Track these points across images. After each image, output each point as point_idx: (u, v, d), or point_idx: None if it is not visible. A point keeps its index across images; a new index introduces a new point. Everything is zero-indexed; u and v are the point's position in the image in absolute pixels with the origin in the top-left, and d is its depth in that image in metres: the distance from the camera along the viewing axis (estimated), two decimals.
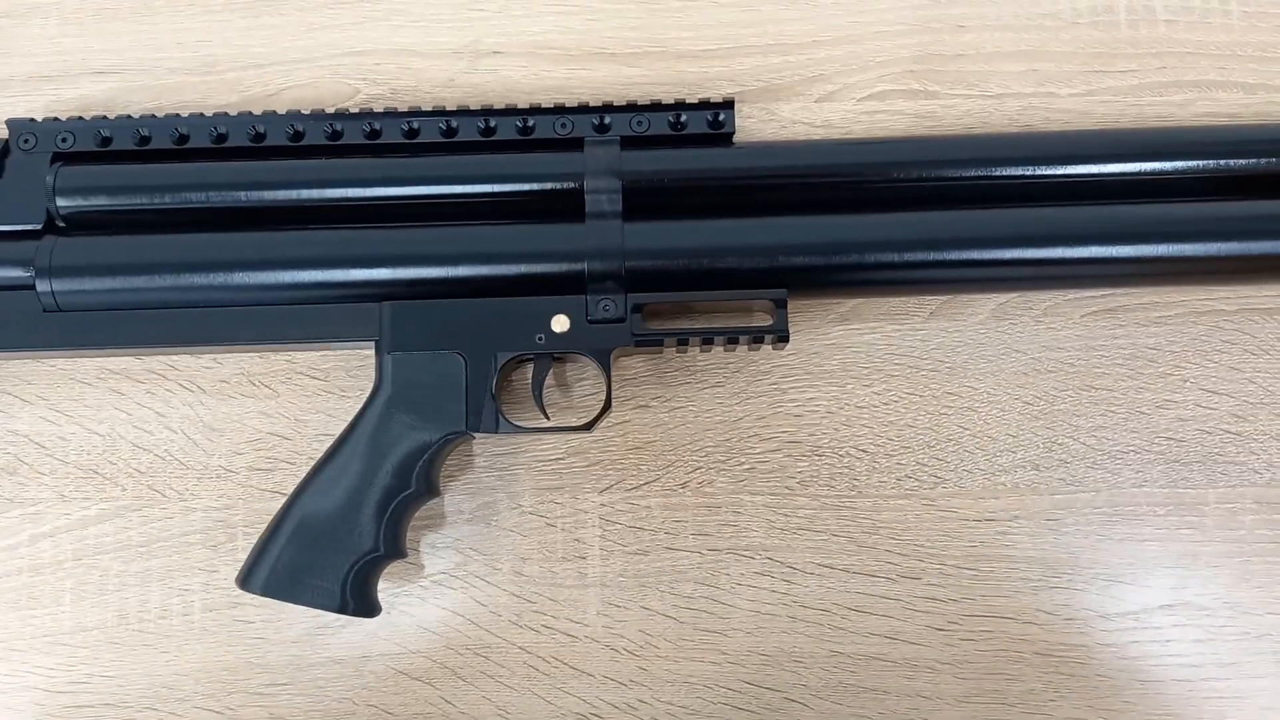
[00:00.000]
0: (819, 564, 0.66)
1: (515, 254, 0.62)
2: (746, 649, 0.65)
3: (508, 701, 0.65)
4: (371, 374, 0.67)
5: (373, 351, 0.64)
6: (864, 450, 0.67)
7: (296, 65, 0.70)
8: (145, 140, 0.64)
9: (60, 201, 0.63)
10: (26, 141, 0.64)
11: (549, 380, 0.67)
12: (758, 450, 0.67)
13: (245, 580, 0.60)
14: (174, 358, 0.67)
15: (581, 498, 0.67)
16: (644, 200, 0.63)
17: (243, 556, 0.66)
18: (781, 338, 0.62)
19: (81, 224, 0.63)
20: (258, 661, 0.66)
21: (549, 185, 0.63)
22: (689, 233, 0.62)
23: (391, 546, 0.60)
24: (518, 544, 0.66)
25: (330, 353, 0.68)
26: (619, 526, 0.66)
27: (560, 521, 0.66)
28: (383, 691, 0.65)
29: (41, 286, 0.62)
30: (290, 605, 0.64)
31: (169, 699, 0.66)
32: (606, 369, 0.62)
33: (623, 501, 0.67)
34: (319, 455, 0.66)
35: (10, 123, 0.64)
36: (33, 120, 0.64)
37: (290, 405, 0.67)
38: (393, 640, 0.66)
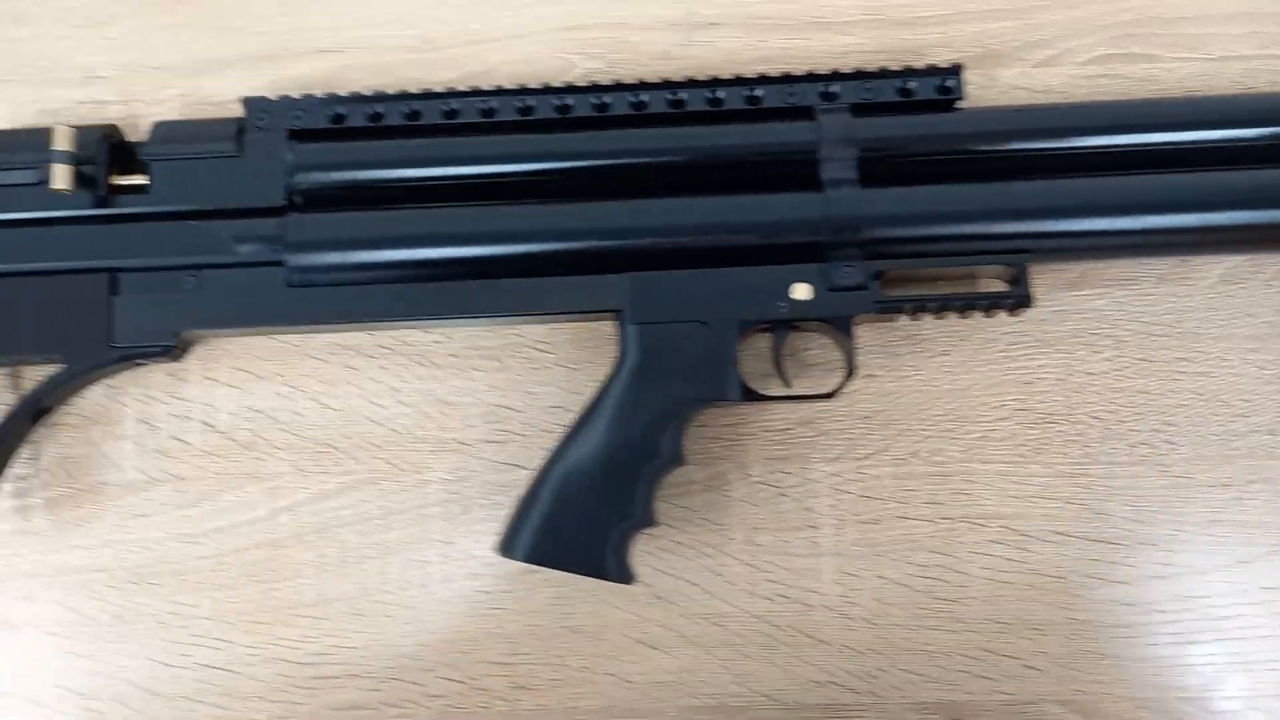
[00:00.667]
0: (1054, 531, 0.66)
1: (757, 223, 0.62)
2: (983, 617, 0.65)
3: (745, 670, 0.66)
4: (599, 346, 0.67)
5: (611, 323, 0.65)
6: (1096, 417, 0.66)
7: (514, 41, 0.70)
8: (377, 117, 0.64)
9: (299, 178, 0.63)
10: (261, 119, 0.64)
11: (769, 352, 0.66)
12: (988, 418, 0.67)
13: (507, 548, 0.61)
14: (404, 333, 0.68)
15: (811, 467, 0.67)
16: (877, 168, 0.63)
17: (479, 528, 0.67)
18: (1022, 303, 0.62)
19: (317, 200, 0.64)
20: (497, 631, 0.67)
21: (782, 154, 0.63)
22: (929, 199, 0.62)
23: (646, 515, 0.61)
24: (749, 514, 0.67)
25: (558, 326, 0.68)
26: (850, 496, 0.67)
27: (791, 491, 0.67)
28: (621, 660, 0.66)
29: (291, 262, 0.63)
30: (528, 575, 0.66)
31: (412, 669, 0.67)
32: (849, 335, 0.62)
33: (853, 471, 0.67)
34: (550, 427, 0.67)
35: (247, 101, 0.65)
36: (267, 99, 0.65)
37: (520, 378, 0.68)
38: (629, 609, 0.66)
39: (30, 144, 0.63)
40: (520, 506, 0.62)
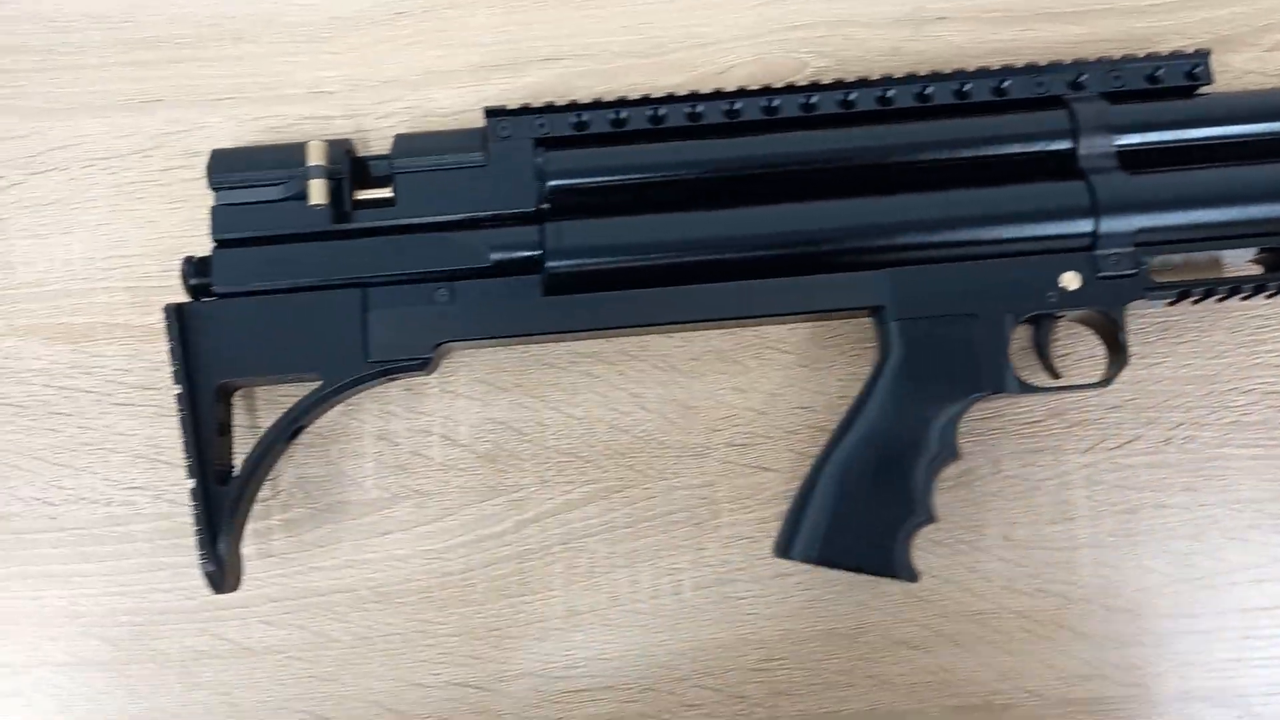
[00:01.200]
0: None
1: (1022, 214, 0.62)
2: (1242, 606, 0.65)
3: (1008, 667, 0.65)
4: (840, 345, 0.67)
5: (864, 320, 0.65)
6: None
7: (741, 42, 0.70)
8: (620, 122, 0.64)
9: (549, 184, 0.63)
10: (505, 128, 0.64)
11: (1030, 343, 0.66)
12: (1239, 403, 0.66)
13: (786, 549, 0.60)
14: (644, 338, 0.67)
15: (1064, 459, 0.66)
16: (1135, 155, 0.62)
17: (728, 533, 0.66)
18: None
19: (566, 207, 0.63)
20: (752, 637, 0.66)
21: (1038, 145, 0.63)
22: (1196, 184, 0.61)
23: (926, 511, 0.60)
24: (1003, 508, 0.66)
25: (796, 325, 0.67)
26: (1105, 486, 0.66)
27: (1044, 484, 0.66)
28: (880, 661, 0.65)
29: (551, 269, 0.62)
30: (782, 579, 0.65)
31: (666, 679, 0.66)
32: (1120, 324, 0.61)
33: (1106, 461, 0.66)
34: (795, 428, 0.66)
35: (489, 110, 0.64)
36: (508, 108, 0.64)
37: (762, 380, 0.67)
38: (886, 610, 0.66)
39: (282, 160, 0.62)
40: (796, 507, 0.61)
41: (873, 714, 0.65)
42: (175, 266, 0.65)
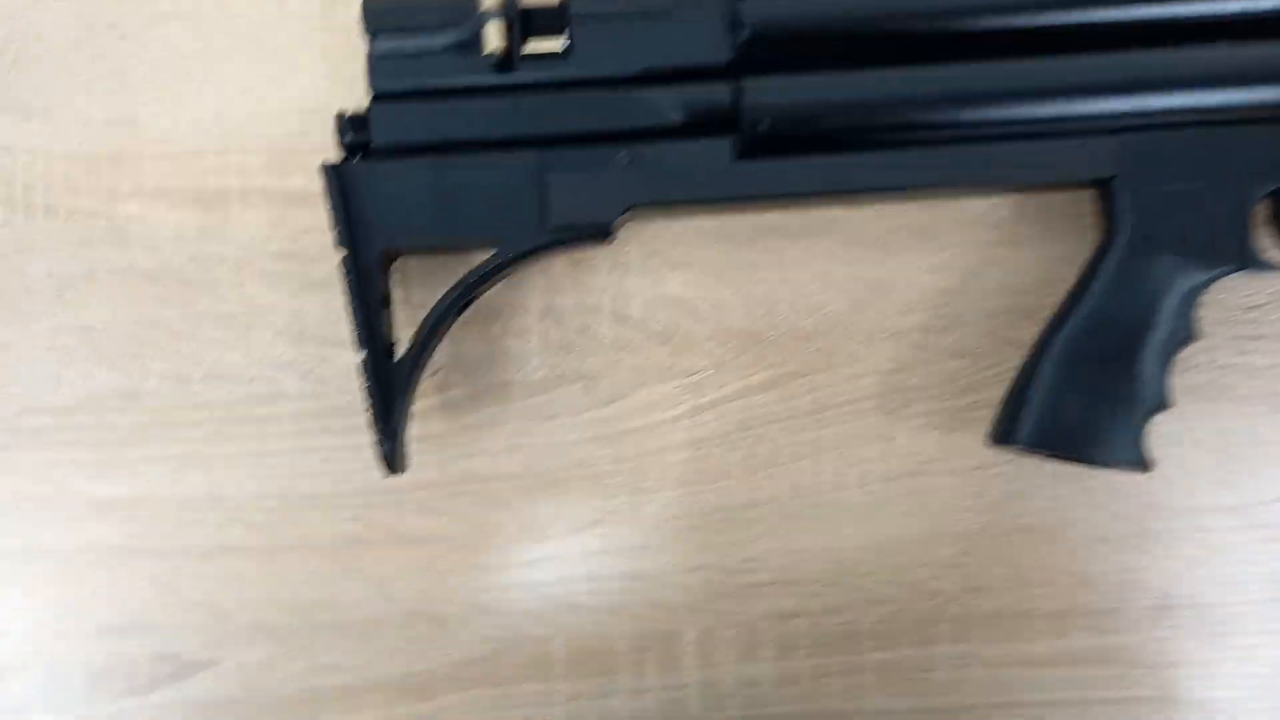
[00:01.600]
0: None
1: (1267, 75, 0.55)
2: None
3: (1219, 573, 0.61)
4: (1046, 220, 0.61)
5: (1088, 194, 0.59)
6: None
7: None
8: None
9: (746, 34, 0.56)
10: None
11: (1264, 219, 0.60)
12: None
13: (1006, 437, 0.56)
14: (832, 211, 0.62)
15: None
16: None
17: (920, 422, 0.62)
18: None
19: (760, 61, 0.56)
20: (945, 532, 0.62)
21: None
22: None
23: (1161, 397, 0.55)
24: (1217, 398, 0.61)
25: (1002, 201, 0.61)
26: None
27: (1264, 372, 0.61)
28: (1082, 559, 0.61)
29: (749, 129, 0.56)
30: (978, 470, 0.61)
31: (850, 573, 0.62)
32: None
33: None
34: (996, 311, 0.61)
35: None
36: None
37: (961, 258, 0.62)
38: (1089, 505, 0.61)
39: (453, 3, 0.56)
40: (1015, 393, 0.57)
41: (1069, 613, 0.62)
42: (319, 125, 0.60)
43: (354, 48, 0.58)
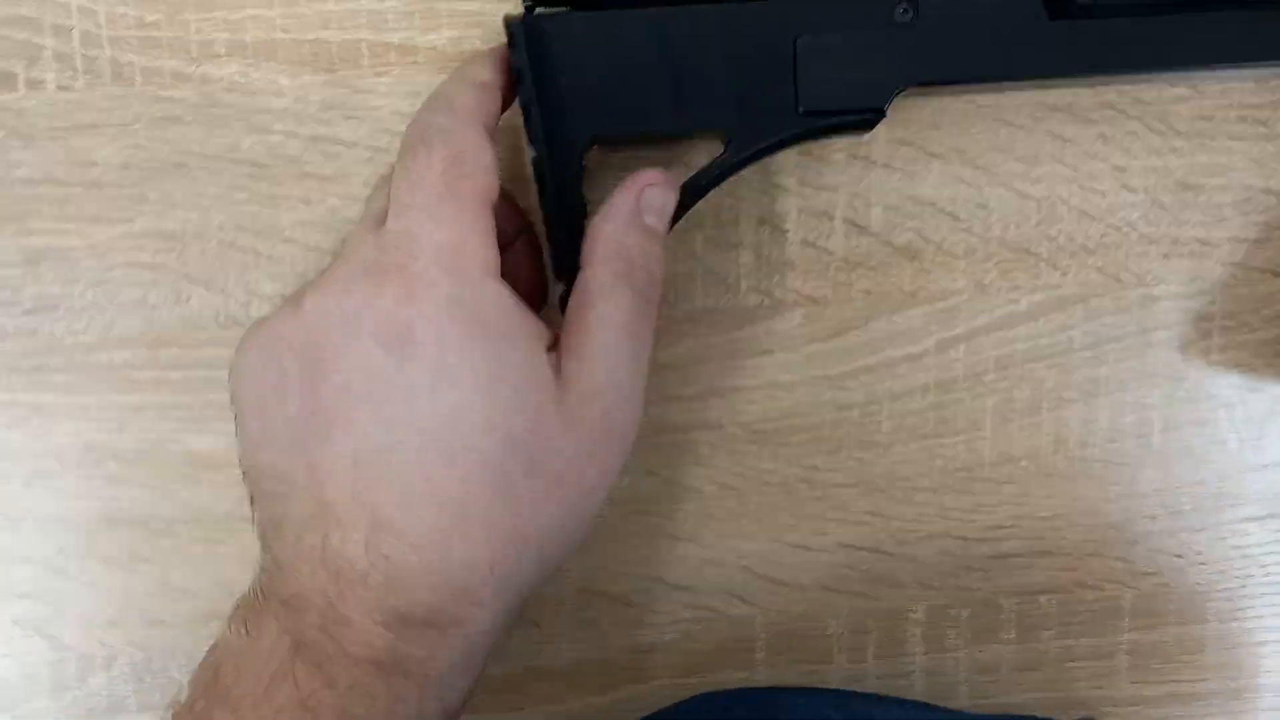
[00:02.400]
0: None
1: None
2: None
3: None
4: None
5: None
6: None
7: None
8: None
9: None
10: None
11: None
12: None
13: None
14: (1136, 88, 0.47)
15: None
16: None
17: (1218, 358, 0.50)
18: None
19: None
20: (1233, 490, 0.51)
21: None
22: None
23: None
24: None
25: None
26: None
27: None
28: None
29: None
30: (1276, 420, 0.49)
31: (1117, 542, 0.52)
32: None
33: None
34: None
35: None
36: None
37: None
38: None
39: None
40: None
41: None
42: None
43: None
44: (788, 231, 0.48)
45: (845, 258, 0.48)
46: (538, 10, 0.40)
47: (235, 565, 0.49)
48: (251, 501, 0.39)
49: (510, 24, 0.40)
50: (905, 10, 0.42)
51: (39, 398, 0.47)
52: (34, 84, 0.45)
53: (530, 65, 0.40)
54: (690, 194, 0.42)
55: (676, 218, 0.43)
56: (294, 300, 0.37)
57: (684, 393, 0.49)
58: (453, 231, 0.35)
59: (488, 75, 0.39)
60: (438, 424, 0.35)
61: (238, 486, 0.44)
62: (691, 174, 0.42)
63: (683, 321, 0.48)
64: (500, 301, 0.36)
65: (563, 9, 0.40)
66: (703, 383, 0.49)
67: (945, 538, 0.51)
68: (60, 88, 0.45)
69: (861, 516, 0.50)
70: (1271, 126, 0.48)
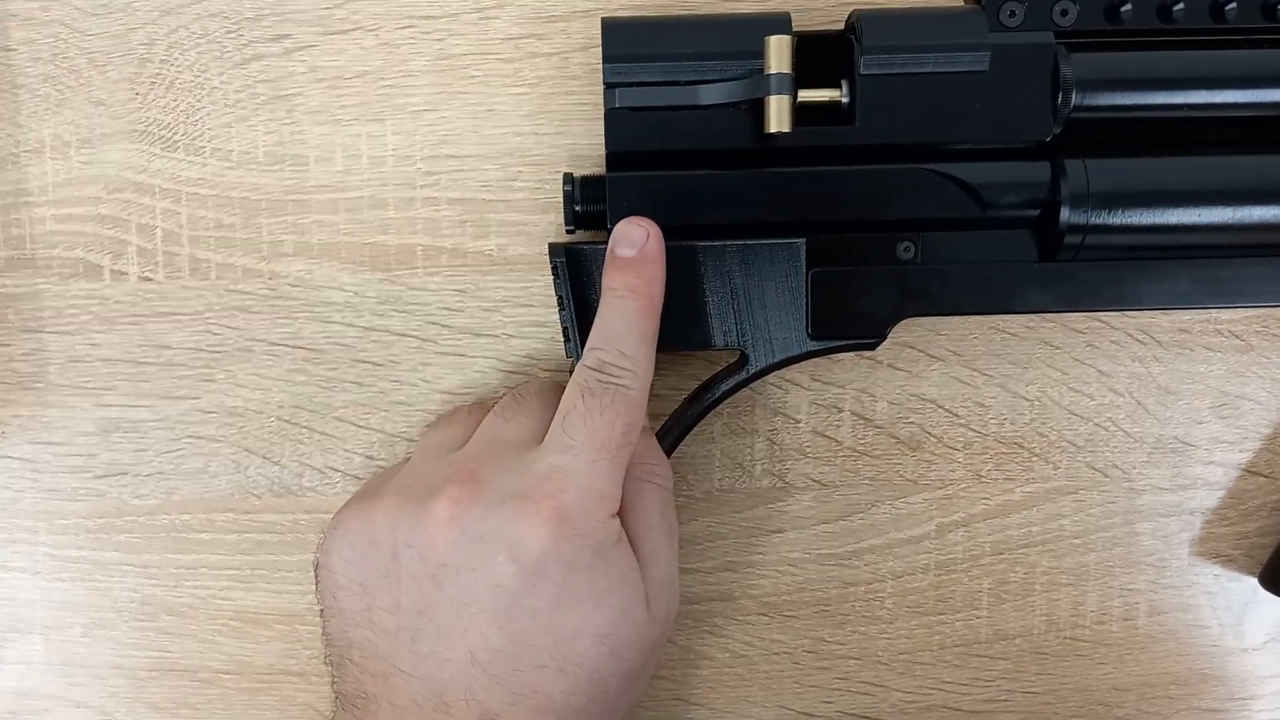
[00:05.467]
0: None
1: None
2: None
3: None
4: None
5: None
6: None
7: None
8: (1167, 13, 0.46)
9: (1075, 104, 0.45)
10: (1013, 12, 0.45)
11: None
12: None
13: (1270, 581, 0.48)
14: None
15: None
16: None
17: (1199, 550, 0.54)
18: None
19: (1082, 138, 0.46)
20: (1214, 673, 0.54)
21: None
22: None
23: None
24: None
25: None
26: None
27: None
28: None
29: (1066, 221, 0.45)
30: (1258, 606, 0.53)
31: (1104, 716, 0.54)
32: None
33: None
34: None
35: None
36: None
37: (1268, 366, 0.52)
38: None
39: (723, 48, 0.44)
40: None
41: None
42: (521, 174, 0.48)
43: (571, 79, 0.46)
44: (800, 421, 0.52)
45: (853, 447, 0.52)
46: (578, 240, 0.45)
47: (275, 715, 0.52)
48: (328, 662, 0.42)
49: (553, 252, 0.44)
50: (908, 248, 0.46)
51: (103, 555, 0.51)
52: (118, 275, 0.49)
53: (569, 290, 0.44)
54: (715, 400, 0.46)
55: (701, 417, 0.48)
56: (412, 496, 0.40)
57: (700, 566, 0.52)
58: (605, 484, 0.40)
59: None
60: (554, 641, 0.39)
61: (280, 641, 0.48)
62: (721, 381, 0.46)
63: (701, 500, 0.52)
64: (614, 527, 0.41)
65: (602, 241, 0.45)
66: (718, 557, 0.52)
67: (943, 709, 0.54)
68: (142, 279, 0.49)
69: (864, 687, 0.53)
70: (1246, 339, 0.52)
